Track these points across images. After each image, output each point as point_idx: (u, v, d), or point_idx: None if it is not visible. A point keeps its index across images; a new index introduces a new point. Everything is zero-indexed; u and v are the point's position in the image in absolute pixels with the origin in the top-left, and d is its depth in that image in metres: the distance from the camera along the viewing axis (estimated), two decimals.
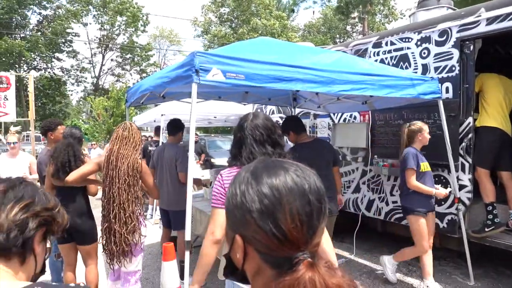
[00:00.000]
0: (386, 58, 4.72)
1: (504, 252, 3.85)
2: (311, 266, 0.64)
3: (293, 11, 26.72)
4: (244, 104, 5.85)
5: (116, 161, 2.93)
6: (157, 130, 7.39)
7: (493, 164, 4.03)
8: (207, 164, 13.98)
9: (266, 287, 0.69)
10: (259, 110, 7.06)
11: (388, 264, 4.08)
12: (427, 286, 3.68)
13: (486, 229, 3.85)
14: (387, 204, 4.81)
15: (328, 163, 3.77)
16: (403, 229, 4.93)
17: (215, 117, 8.15)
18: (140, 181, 3.02)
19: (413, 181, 3.61)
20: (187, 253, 2.49)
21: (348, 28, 29.57)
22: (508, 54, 4.59)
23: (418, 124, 3.74)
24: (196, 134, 6.78)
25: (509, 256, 3.75)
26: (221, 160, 13.77)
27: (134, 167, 2.94)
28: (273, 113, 6.71)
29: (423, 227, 3.63)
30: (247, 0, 28.08)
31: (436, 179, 4.24)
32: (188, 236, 2.51)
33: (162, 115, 7.25)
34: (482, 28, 3.78)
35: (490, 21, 3.71)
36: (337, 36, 29.88)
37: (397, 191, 4.67)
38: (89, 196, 3.40)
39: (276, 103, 5.68)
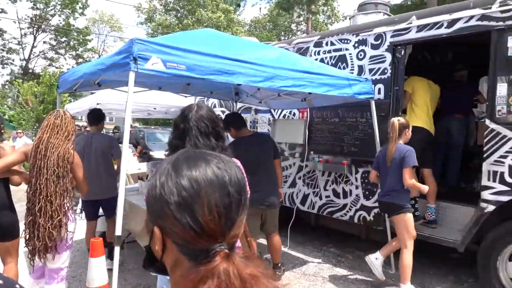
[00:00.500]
0: (326, 58, 4.90)
1: (421, 241, 4.20)
2: (226, 257, 0.65)
3: (239, 5, 26.68)
4: (186, 96, 5.74)
5: (46, 151, 2.71)
6: None
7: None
8: (145, 157, 13.56)
9: (184, 278, 0.69)
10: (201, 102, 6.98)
11: (376, 262, 3.92)
12: None
13: (419, 220, 4.19)
14: (320, 198, 5.01)
15: (269, 156, 3.86)
16: (334, 223, 5.18)
17: (154, 108, 7.90)
18: (71, 173, 2.85)
19: (411, 179, 3.53)
20: (117, 249, 2.40)
21: (293, 26, 30.21)
22: (434, 60, 4.97)
23: (405, 119, 3.81)
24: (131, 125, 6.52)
25: (425, 246, 4.09)
26: (160, 153, 13.42)
27: (65, 157, 2.75)
28: (215, 106, 6.67)
29: (411, 223, 3.63)
30: None
31: (365, 174, 4.50)
32: (118, 231, 2.41)
33: (98, 104, 6.88)
34: (413, 35, 4.07)
35: (420, 28, 4.00)
36: (282, 33, 30.38)
37: (330, 185, 4.89)
38: (12, 188, 3.14)
39: (218, 97, 5.66)
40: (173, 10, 29.60)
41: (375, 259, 3.91)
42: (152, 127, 19.83)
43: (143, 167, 6.58)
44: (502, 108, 3.50)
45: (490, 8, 3.52)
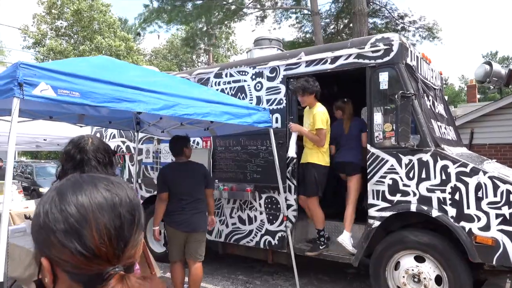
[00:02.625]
0: (226, 88, 5.09)
1: (319, 260, 4.48)
2: (121, 279, 0.66)
3: (139, 34, 26.20)
4: (81, 126, 5.39)
5: None
6: None
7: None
8: (34, 194, 12.24)
9: None
10: (98, 134, 6.61)
11: (346, 240, 4.21)
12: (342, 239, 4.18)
13: (321, 247, 4.32)
14: (227, 226, 5.05)
15: (198, 184, 3.91)
16: (242, 250, 5.23)
17: (45, 139, 7.22)
18: None
19: None
20: None
21: (194, 57, 30.66)
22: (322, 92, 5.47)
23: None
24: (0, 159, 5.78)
25: (323, 264, 4.37)
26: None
27: None
28: (114, 137, 6.37)
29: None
30: (88, 16, 26.26)
31: (268, 200, 4.69)
32: (0, 277, 2.13)
33: None
34: (303, 69, 4.49)
35: (308, 63, 4.44)
36: (184, 64, 30.59)
37: (235, 213, 4.97)
38: None
39: (117, 127, 5.43)
40: (66, 36, 27.81)
41: (345, 237, 4.27)
42: (43, 161, 17.96)
43: (31, 205, 5.90)
44: (379, 135, 4.01)
45: (364, 48, 4.09)
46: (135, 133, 5.42)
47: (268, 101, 4.74)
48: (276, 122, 4.64)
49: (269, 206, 4.68)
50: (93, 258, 0.66)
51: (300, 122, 4.64)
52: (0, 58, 33.60)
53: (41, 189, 12.37)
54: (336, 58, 4.25)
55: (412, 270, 3.71)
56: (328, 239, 4.46)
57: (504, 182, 3.40)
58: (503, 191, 3.38)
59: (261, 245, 4.74)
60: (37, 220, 0.70)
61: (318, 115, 4.18)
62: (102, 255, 0.66)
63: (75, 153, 1.97)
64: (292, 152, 4.23)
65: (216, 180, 5.09)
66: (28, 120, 4.18)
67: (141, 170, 5.93)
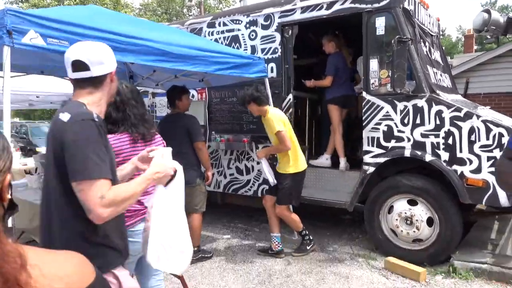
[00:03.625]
0: (219, 38, 4.98)
1: (316, 207, 4.61)
2: None
3: None
4: None
5: None
6: None
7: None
8: (31, 153, 12.28)
9: None
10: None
11: (343, 165, 4.59)
12: None
13: (308, 247, 4.16)
14: (225, 177, 5.15)
15: (180, 137, 3.80)
16: (240, 199, 5.38)
17: (37, 96, 7.09)
18: None
19: None
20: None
21: (185, 11, 29.61)
22: (318, 41, 5.38)
23: None
24: None
25: (325, 212, 4.48)
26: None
27: None
28: None
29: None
30: None
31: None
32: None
33: None
34: (298, 16, 4.38)
35: (304, 9, 4.32)
36: (174, 18, 29.58)
37: (233, 164, 5.05)
38: None
39: None
40: None
41: (343, 165, 4.56)
42: (37, 121, 17.86)
43: (29, 162, 5.96)
44: (375, 82, 4.01)
45: None
46: None
47: (263, 50, 4.66)
48: (272, 71, 4.60)
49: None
50: None
51: (296, 72, 4.60)
52: None
53: (37, 149, 12.35)
54: (332, 3, 4.13)
55: (405, 213, 3.86)
56: (309, 236, 4.22)
57: (497, 125, 3.45)
58: (495, 134, 3.45)
59: (259, 194, 4.87)
60: None
61: (272, 119, 3.78)
62: None
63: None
64: (271, 179, 3.99)
65: (213, 132, 5.12)
66: (20, 75, 4.12)
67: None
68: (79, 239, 1.36)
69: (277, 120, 3.77)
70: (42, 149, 12.24)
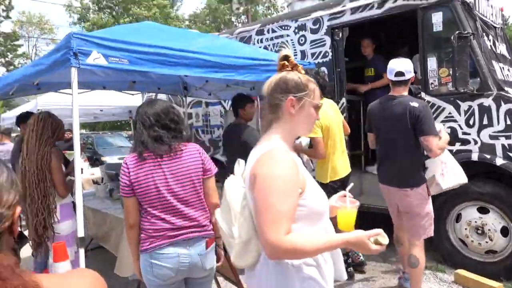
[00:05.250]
0: (269, 45, 5.00)
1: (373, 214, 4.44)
2: None
3: None
4: (133, 94, 5.62)
5: (27, 153, 2.94)
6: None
7: None
8: (97, 163, 13.07)
9: None
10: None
11: None
12: None
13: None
14: None
15: (238, 150, 3.65)
16: None
17: (101, 110, 7.63)
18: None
19: None
20: (81, 250, 2.39)
21: (233, 19, 30.19)
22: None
23: None
24: (69, 131, 6.26)
25: (379, 219, 4.29)
26: (113, 158, 12.97)
27: (43, 160, 2.92)
28: None
29: None
30: None
31: None
32: (81, 233, 2.39)
33: (38, 109, 6.53)
34: (348, 17, 4.27)
35: (353, 10, 4.20)
36: (222, 26, 30.28)
37: None
38: None
39: (166, 92, 5.59)
40: (107, 8, 28.42)
41: None
42: (100, 132, 19.07)
43: (96, 172, 6.36)
44: (434, 81, 3.79)
45: None
46: (184, 98, 5.57)
47: (313, 54, 4.61)
48: None
49: None
50: None
51: (348, 73, 4.49)
52: (50, 37, 35.22)
53: (103, 158, 13.19)
54: (383, 2, 3.98)
55: (475, 221, 3.57)
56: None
57: None
58: None
59: None
60: None
61: None
62: None
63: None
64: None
65: None
66: (85, 91, 4.43)
67: (192, 134, 6.11)
68: None
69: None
70: (107, 159, 13.05)
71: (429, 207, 2.96)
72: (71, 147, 5.11)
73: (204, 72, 2.93)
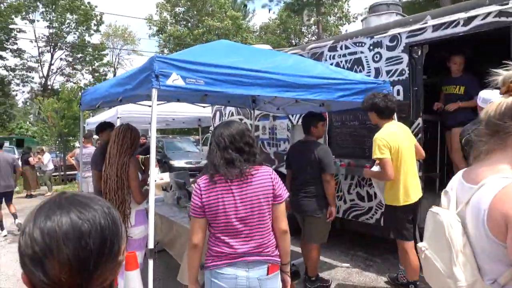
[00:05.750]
0: (341, 62, 4.89)
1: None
2: None
3: (245, 6, 26.66)
4: (204, 106, 5.82)
5: (109, 162, 3.22)
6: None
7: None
8: (166, 166, 13.73)
9: None
10: (217, 112, 7.06)
11: None
12: None
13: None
14: (345, 202, 4.98)
15: (306, 166, 3.72)
16: (360, 226, 5.13)
17: (173, 119, 8.04)
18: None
19: None
20: (150, 262, 2.47)
21: (304, 29, 30.17)
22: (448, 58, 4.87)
23: None
24: (144, 136, 6.77)
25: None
26: (180, 162, 13.56)
27: (122, 168, 3.16)
28: (232, 115, 6.73)
29: None
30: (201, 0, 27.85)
31: None
32: (151, 244, 2.49)
33: (118, 117, 7.04)
34: (429, 34, 4.03)
35: (436, 28, 3.96)
36: (292, 36, 30.38)
37: (353, 189, 4.86)
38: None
39: (235, 105, 5.72)
40: (183, 21, 30.00)
41: None
42: (170, 136, 20.06)
43: (166, 177, 6.68)
44: None
45: (508, 3, 3.47)
46: (251, 111, 5.65)
47: (388, 72, 4.41)
48: (398, 94, 4.31)
49: None
50: (56, 286, 0.67)
51: (427, 93, 4.24)
52: (132, 47, 38.00)
53: (171, 162, 13.83)
54: (470, 19, 3.70)
55: None
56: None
57: None
58: None
59: (381, 223, 4.56)
60: (19, 238, 0.71)
61: (375, 143, 3.35)
62: (63, 285, 0.67)
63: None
64: (383, 199, 3.70)
65: (333, 156, 5.02)
66: (161, 103, 4.67)
67: (258, 146, 6.16)
68: None
69: (381, 145, 3.31)
70: (175, 162, 13.68)
71: None
72: (144, 151, 5.48)
73: (276, 92, 2.95)
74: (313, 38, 27.98)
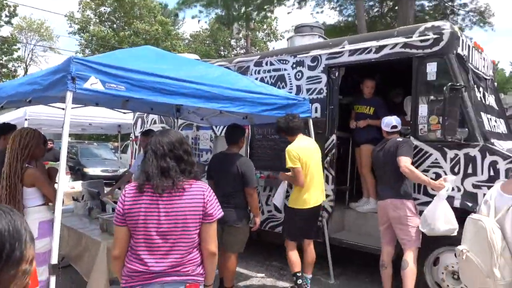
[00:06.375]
0: (266, 77, 5.07)
1: (360, 252, 4.44)
2: None
3: (177, 15, 26.36)
4: (125, 112, 5.59)
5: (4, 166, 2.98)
6: None
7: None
8: (79, 174, 12.81)
9: None
10: (139, 120, 6.82)
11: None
12: None
13: None
14: (262, 213, 5.10)
15: (229, 179, 3.75)
16: (276, 237, 5.28)
17: (90, 123, 7.56)
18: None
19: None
20: (52, 279, 2.29)
21: (233, 42, 30.62)
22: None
23: None
24: (51, 140, 6.27)
25: (365, 257, 4.32)
26: (96, 170, 12.75)
27: (15, 173, 2.94)
28: (155, 122, 6.55)
29: None
30: (130, 1, 26.82)
31: None
32: (54, 259, 2.30)
33: (26, 119, 6.43)
34: (345, 58, 4.38)
35: (352, 52, 4.31)
36: (222, 48, 30.65)
37: (271, 201, 5.00)
38: None
39: (158, 113, 5.58)
40: (108, 21, 28.59)
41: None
42: (86, 141, 18.80)
43: (77, 186, 6.23)
44: (424, 127, 3.87)
45: (411, 37, 3.91)
46: (175, 120, 5.56)
47: (308, 90, 4.68)
48: (316, 111, 4.58)
49: None
50: None
51: (341, 111, 4.56)
52: (49, 44, 35.10)
53: (85, 169, 12.95)
54: (381, 48, 4.10)
55: (452, 266, 3.60)
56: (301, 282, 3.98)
57: None
58: None
59: None
60: None
61: (287, 155, 3.77)
62: None
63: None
64: (278, 203, 4.18)
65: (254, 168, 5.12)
66: (78, 107, 4.38)
67: (200, 170, 6.05)
68: None
69: (291, 156, 3.73)
70: (90, 170, 12.82)
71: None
72: (50, 157, 5.06)
73: (200, 102, 2.95)
74: (242, 52, 28.54)
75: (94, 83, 2.28)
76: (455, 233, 3.26)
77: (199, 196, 1.91)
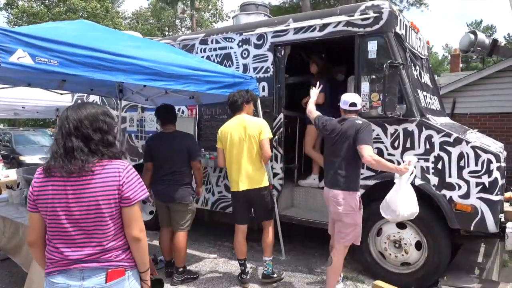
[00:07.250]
0: (212, 55, 4.96)
1: (309, 228, 4.59)
2: None
3: None
4: (62, 94, 5.22)
5: None
6: None
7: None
8: (14, 162, 11.99)
9: None
10: (79, 101, 6.43)
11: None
12: None
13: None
14: (213, 194, 5.08)
15: (178, 155, 3.85)
16: (227, 217, 5.30)
17: (23, 107, 6.99)
18: None
19: None
20: None
21: (177, 22, 29.67)
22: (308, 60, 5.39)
23: None
24: None
25: (314, 231, 4.46)
26: (33, 157, 11.95)
27: None
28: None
29: None
30: None
31: None
32: None
33: None
34: (291, 36, 4.39)
35: (296, 31, 4.34)
36: (166, 28, 29.61)
37: (222, 181, 4.99)
38: None
39: (99, 94, 5.29)
40: None
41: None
42: (21, 128, 17.50)
43: (12, 174, 5.80)
44: (366, 104, 4.01)
45: (353, 15, 4.00)
46: (118, 101, 5.30)
47: (255, 69, 4.65)
48: (263, 90, 4.58)
49: None
50: None
51: (288, 91, 4.61)
52: None
53: (21, 157, 12.10)
54: (325, 26, 4.16)
55: (394, 236, 3.84)
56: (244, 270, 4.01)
57: (486, 151, 3.48)
58: (484, 160, 3.47)
59: None
60: None
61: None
62: None
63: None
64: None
65: (202, 149, 5.06)
66: (7, 87, 4.01)
67: (125, 138, 5.84)
68: None
69: (218, 136, 3.88)
70: (27, 158, 11.99)
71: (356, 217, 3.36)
72: None
73: (142, 79, 2.82)
74: (187, 32, 27.79)
75: (21, 56, 2.08)
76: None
77: (113, 179, 1.71)
